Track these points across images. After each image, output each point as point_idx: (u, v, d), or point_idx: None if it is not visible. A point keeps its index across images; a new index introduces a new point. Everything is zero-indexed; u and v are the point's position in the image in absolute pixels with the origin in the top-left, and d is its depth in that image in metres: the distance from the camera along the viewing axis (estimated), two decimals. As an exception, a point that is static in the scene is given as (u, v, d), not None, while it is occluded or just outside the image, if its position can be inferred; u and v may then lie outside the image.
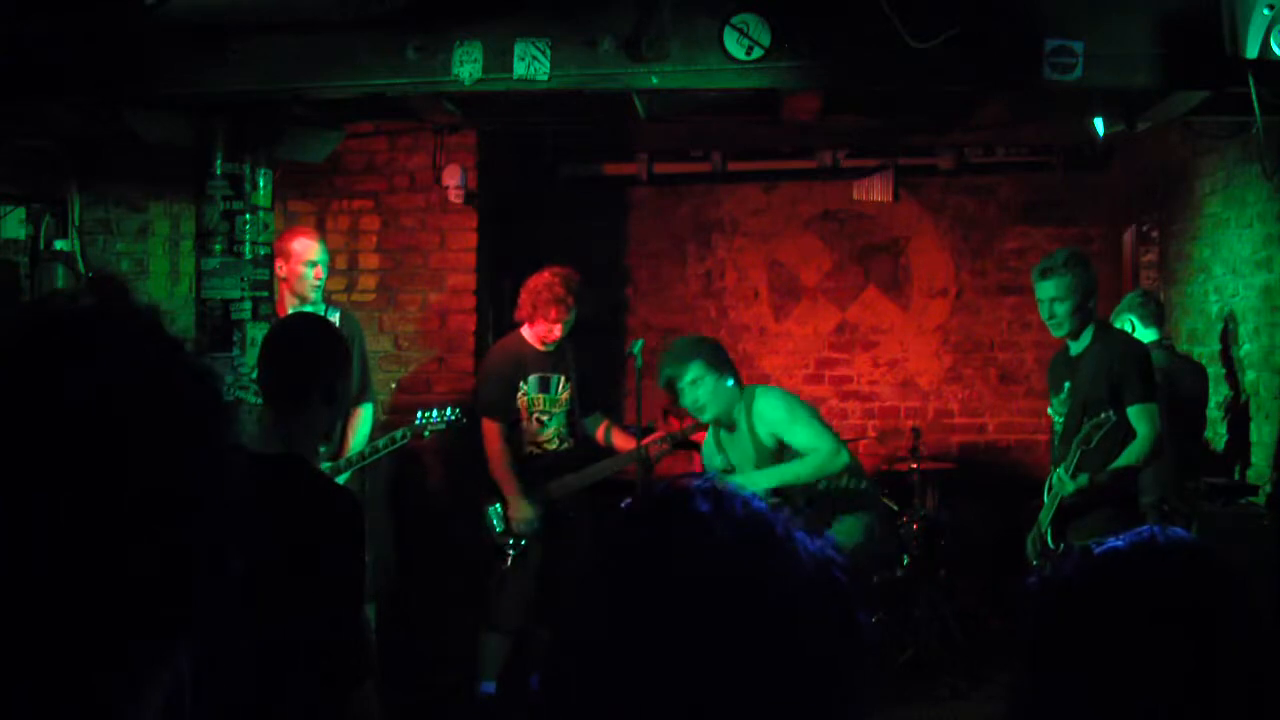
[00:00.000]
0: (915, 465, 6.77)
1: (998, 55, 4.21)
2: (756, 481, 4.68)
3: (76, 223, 6.48)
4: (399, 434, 5.14)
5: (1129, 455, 4.53)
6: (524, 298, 5.55)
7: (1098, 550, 1.31)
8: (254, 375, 4.21)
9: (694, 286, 8.19)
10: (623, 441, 5.70)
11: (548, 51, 4.28)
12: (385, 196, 6.61)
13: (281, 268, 5.26)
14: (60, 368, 0.79)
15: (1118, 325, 5.64)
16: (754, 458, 4.84)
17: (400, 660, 5.66)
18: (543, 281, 5.48)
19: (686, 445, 6.76)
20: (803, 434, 4.72)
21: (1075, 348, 4.78)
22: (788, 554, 1.02)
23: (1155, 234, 7.52)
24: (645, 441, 5.51)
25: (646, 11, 4.20)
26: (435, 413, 5.23)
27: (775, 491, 4.73)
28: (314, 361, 2.98)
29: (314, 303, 5.35)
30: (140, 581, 0.80)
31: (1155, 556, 1.27)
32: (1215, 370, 6.29)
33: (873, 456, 7.52)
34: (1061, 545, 4.57)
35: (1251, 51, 3.79)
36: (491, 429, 5.49)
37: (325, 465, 5.07)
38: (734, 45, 4.20)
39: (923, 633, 6.33)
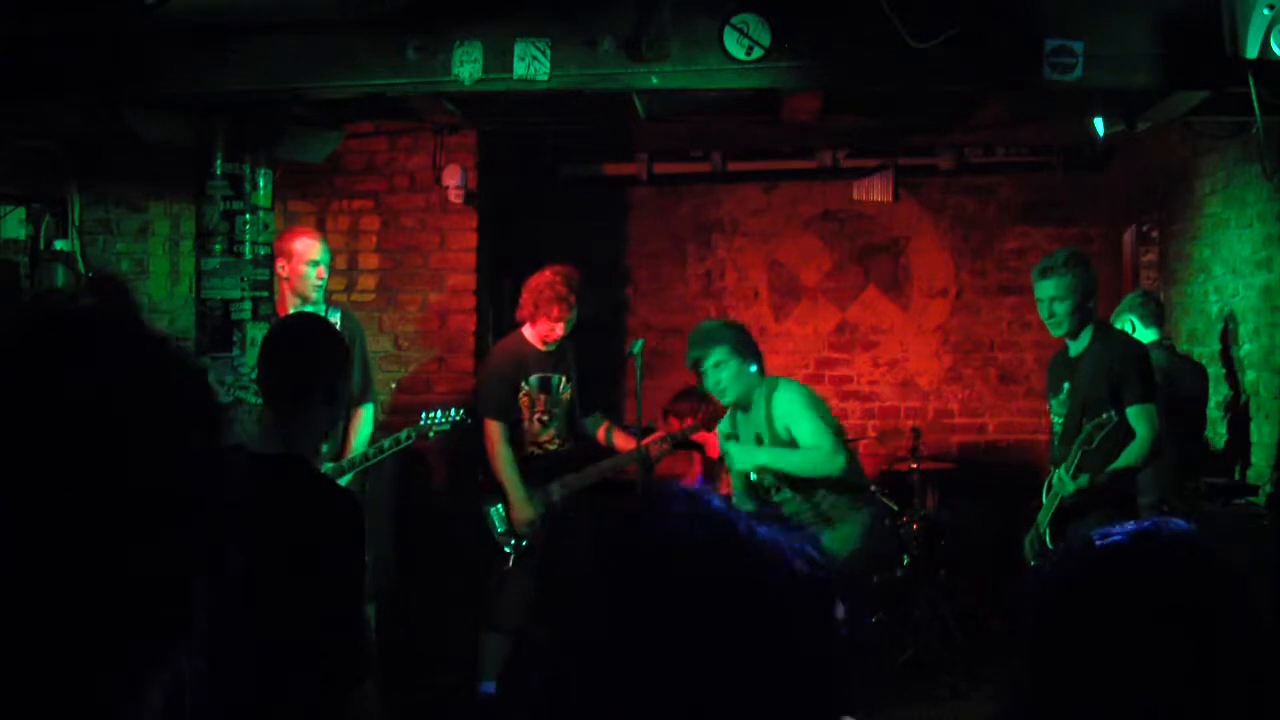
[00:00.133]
0: (915, 465, 6.77)
1: (998, 55, 4.21)
2: (754, 455, 4.76)
3: (76, 223, 6.48)
4: (403, 435, 5.13)
5: (1128, 456, 4.53)
6: (525, 297, 5.55)
7: (1099, 543, 1.31)
8: (254, 375, 4.21)
9: (694, 286, 8.19)
10: (623, 441, 5.70)
11: (548, 51, 4.28)
12: (385, 196, 6.60)
13: (283, 267, 5.26)
14: (60, 367, 0.79)
15: (1118, 325, 5.64)
16: (766, 443, 4.85)
17: (400, 660, 5.66)
18: (544, 280, 5.48)
19: (686, 445, 6.77)
20: (808, 430, 4.73)
21: (1074, 348, 4.78)
22: (755, 551, 1.03)
23: (1155, 234, 7.52)
24: (645, 441, 5.51)
25: (646, 11, 4.20)
26: (439, 413, 5.23)
27: (790, 483, 4.78)
28: (315, 361, 2.98)
29: (316, 302, 5.35)
30: (140, 581, 0.80)
31: (1156, 554, 1.27)
32: (1215, 370, 6.29)
33: (873, 456, 7.52)
34: (1060, 546, 4.57)
35: (1251, 51, 3.79)
36: (494, 429, 5.49)
37: (328, 466, 5.07)
38: (734, 45, 4.20)
39: (923, 633, 6.33)
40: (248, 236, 4.80)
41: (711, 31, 4.22)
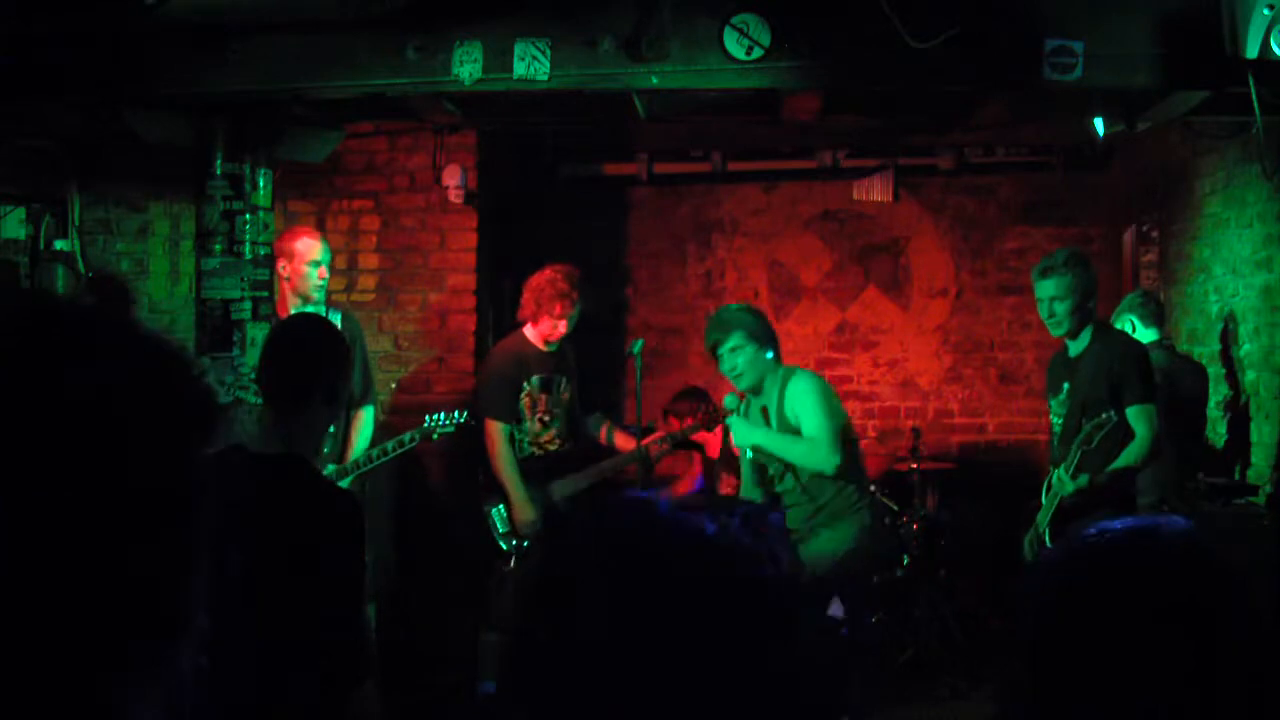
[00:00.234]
0: (915, 465, 6.77)
1: (998, 55, 4.21)
2: (753, 433, 4.81)
3: (76, 223, 6.48)
4: (407, 437, 5.13)
5: (1128, 456, 4.54)
6: (527, 296, 5.55)
7: (1096, 537, 1.31)
8: (254, 375, 4.21)
9: (694, 286, 8.19)
10: (623, 441, 5.70)
11: (548, 51, 4.28)
12: (385, 196, 6.60)
13: (284, 268, 5.26)
14: (60, 367, 0.79)
15: (1118, 325, 5.64)
16: (773, 427, 4.86)
17: (400, 660, 5.66)
18: (545, 278, 5.48)
19: (686, 445, 6.77)
20: (811, 423, 4.74)
21: (1074, 348, 4.78)
22: (717, 553, 1.05)
23: (1155, 234, 7.52)
24: (645, 441, 5.51)
25: (646, 11, 4.20)
26: (443, 415, 5.23)
27: (792, 473, 4.81)
28: (316, 362, 2.98)
29: (317, 303, 5.35)
30: (140, 581, 0.80)
31: (1155, 553, 1.27)
32: (1215, 370, 6.29)
33: (873, 456, 7.51)
34: (1058, 544, 4.56)
35: (1251, 51, 3.79)
36: (495, 430, 5.49)
37: (331, 468, 5.07)
38: (734, 45, 4.20)
39: (923, 633, 6.33)
40: (248, 236, 4.80)
41: (711, 31, 4.22)
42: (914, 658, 6.24)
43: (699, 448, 6.89)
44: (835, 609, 5.65)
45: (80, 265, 6.42)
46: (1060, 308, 4.67)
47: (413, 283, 6.59)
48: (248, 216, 4.80)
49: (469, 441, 5.62)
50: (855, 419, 7.94)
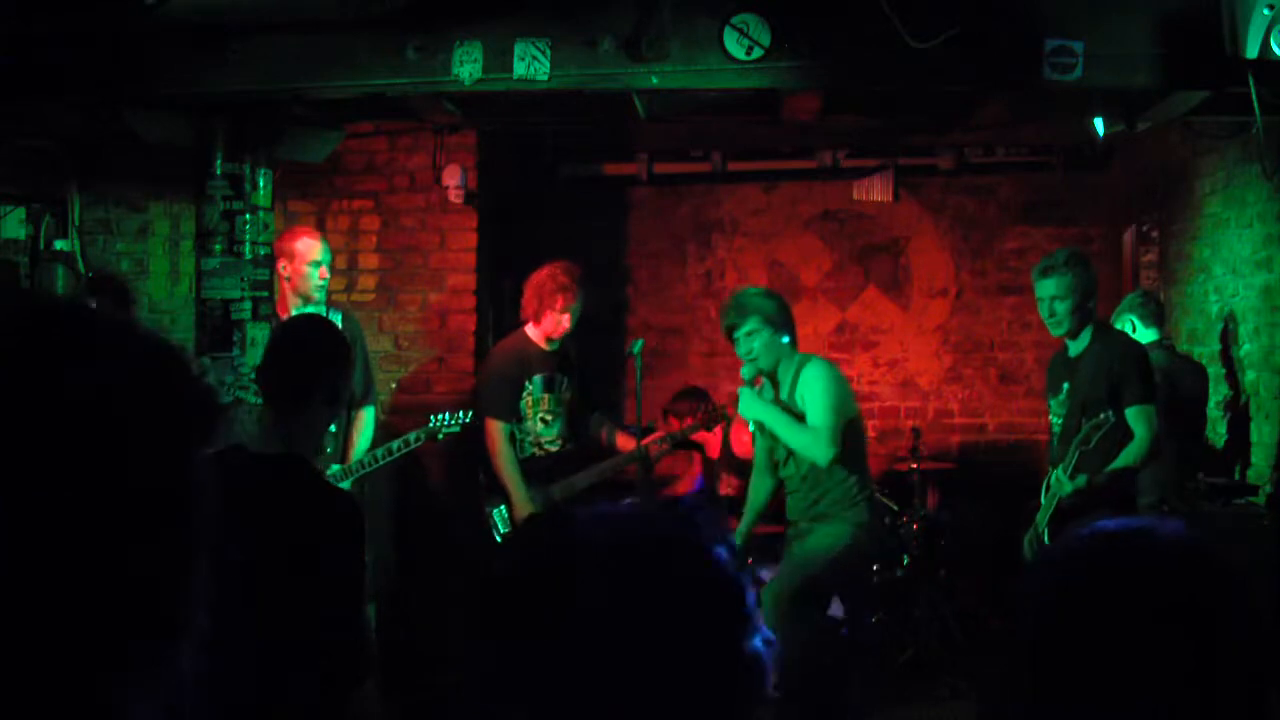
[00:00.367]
0: (915, 465, 6.77)
1: (998, 55, 4.21)
2: (757, 407, 4.83)
3: (76, 223, 6.48)
4: (413, 436, 5.13)
5: (1126, 456, 4.54)
6: (528, 294, 5.55)
7: (1090, 537, 1.31)
8: (254, 375, 4.21)
9: (694, 286, 8.19)
10: (623, 441, 5.70)
11: (548, 51, 4.28)
12: (385, 196, 6.60)
13: (285, 268, 5.25)
14: (60, 367, 0.79)
15: (1118, 325, 5.64)
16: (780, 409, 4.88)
17: (400, 660, 5.66)
18: (545, 274, 5.49)
19: (686, 445, 6.77)
20: (815, 413, 4.76)
21: (1074, 348, 4.78)
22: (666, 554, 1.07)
23: (1155, 234, 7.52)
24: (645, 441, 5.51)
25: (646, 11, 4.20)
26: (448, 415, 5.22)
27: (795, 460, 4.84)
28: (317, 362, 2.98)
29: (318, 303, 5.35)
30: (140, 581, 0.80)
31: (1153, 553, 1.27)
32: (1215, 370, 6.29)
33: (873, 457, 7.49)
34: (1055, 544, 4.57)
35: (1251, 51, 3.79)
36: (496, 429, 5.48)
37: (335, 469, 5.07)
38: (734, 45, 4.20)
39: (923, 633, 6.33)
40: (248, 236, 4.80)
41: (711, 31, 4.22)
42: (914, 658, 6.24)
43: (699, 448, 6.89)
44: (835, 609, 5.66)
45: (80, 265, 6.42)
46: (1061, 307, 4.68)
47: (413, 283, 6.59)
48: (248, 216, 4.80)
49: (469, 441, 5.62)
50: (855, 419, 7.95)
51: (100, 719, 0.79)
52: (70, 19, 4.27)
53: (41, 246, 6.34)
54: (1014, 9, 4.18)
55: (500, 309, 6.74)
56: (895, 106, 5.92)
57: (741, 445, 6.72)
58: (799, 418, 4.79)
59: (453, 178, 6.41)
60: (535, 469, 5.54)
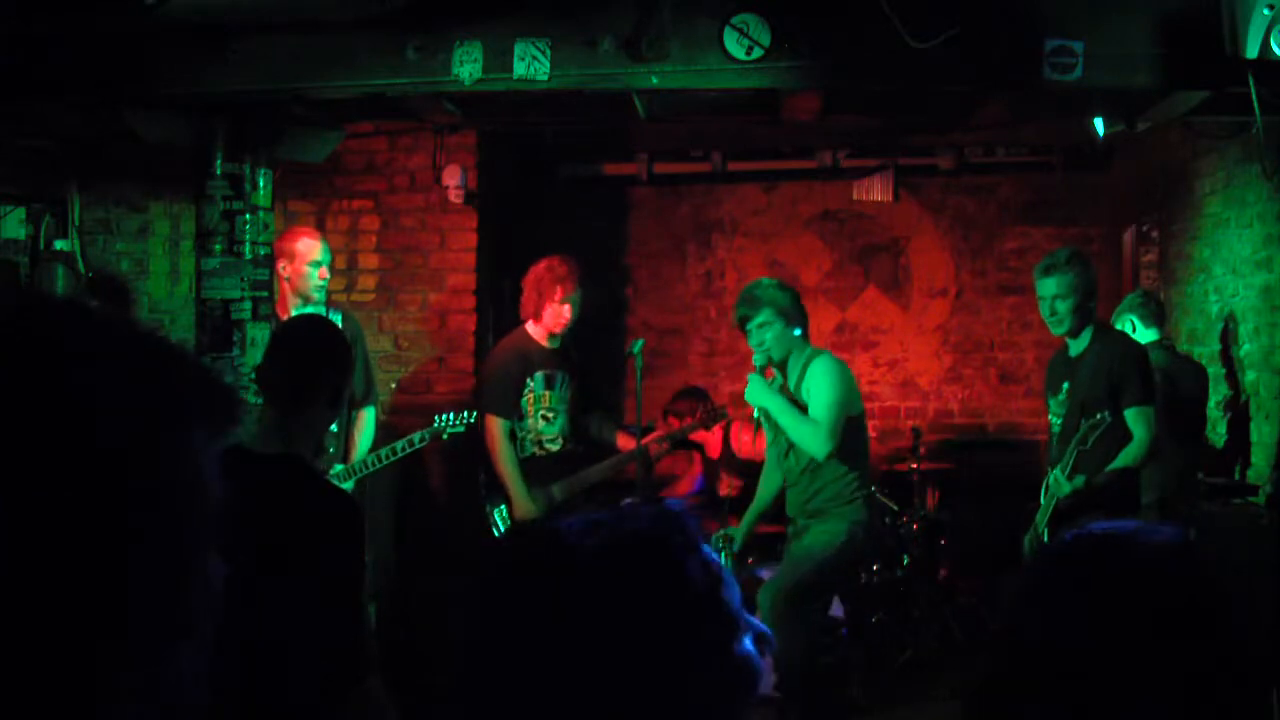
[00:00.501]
0: (915, 465, 6.77)
1: (998, 55, 4.21)
2: (762, 394, 4.84)
3: (76, 223, 6.48)
4: (417, 437, 5.13)
5: (1125, 457, 4.54)
6: (526, 291, 5.55)
7: (1068, 542, 1.31)
8: (254, 375, 4.21)
9: (694, 286, 8.19)
10: (624, 441, 5.69)
11: (548, 51, 4.28)
12: (385, 196, 6.60)
13: (285, 268, 5.26)
14: (60, 367, 0.79)
15: (1118, 325, 5.64)
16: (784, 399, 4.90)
17: (400, 660, 5.66)
18: (542, 268, 5.50)
19: (686, 445, 6.77)
20: (817, 406, 4.78)
21: (1075, 348, 4.78)
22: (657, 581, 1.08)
23: (1155, 234, 7.52)
24: (645, 441, 5.51)
25: (646, 11, 4.20)
26: (451, 415, 5.22)
27: (796, 452, 4.86)
28: (318, 362, 2.98)
29: (317, 303, 5.35)
30: (140, 581, 0.80)
31: (1138, 559, 1.27)
32: (1215, 370, 6.29)
33: (873, 456, 7.51)
34: (1043, 549, 4.58)
35: (1251, 51, 3.79)
36: (495, 426, 5.48)
37: (338, 469, 5.08)
38: (734, 45, 4.20)
39: (923, 633, 6.33)
40: (248, 236, 4.80)
41: (711, 31, 4.22)
42: (914, 658, 6.24)
43: (699, 447, 6.89)
44: (836, 609, 5.66)
45: (80, 265, 6.42)
46: (1062, 306, 4.68)
47: (413, 283, 6.59)
48: (248, 216, 4.80)
49: (470, 441, 5.62)
50: (855, 419, 7.95)
51: (100, 719, 0.79)
52: (70, 19, 4.27)
53: (41, 246, 6.34)
54: (1014, 9, 4.18)
55: (500, 309, 6.74)
56: (895, 106, 5.92)
57: (741, 445, 6.72)
58: (803, 409, 4.81)
59: (453, 178, 6.42)
60: (535, 468, 5.53)
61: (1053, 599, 1.27)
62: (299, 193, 6.48)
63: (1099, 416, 4.51)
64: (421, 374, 6.58)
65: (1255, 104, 3.98)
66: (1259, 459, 5.98)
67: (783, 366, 4.97)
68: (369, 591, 4.25)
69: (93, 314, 0.85)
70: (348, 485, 5.02)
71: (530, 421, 5.55)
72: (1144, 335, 5.76)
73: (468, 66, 4.31)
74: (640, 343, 5.40)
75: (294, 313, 5.13)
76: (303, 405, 2.90)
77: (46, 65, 4.45)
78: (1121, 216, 7.93)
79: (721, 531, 5.17)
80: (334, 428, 5.06)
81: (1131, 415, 4.56)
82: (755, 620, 1.16)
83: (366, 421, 5.42)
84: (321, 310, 5.27)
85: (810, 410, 4.78)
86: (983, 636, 6.46)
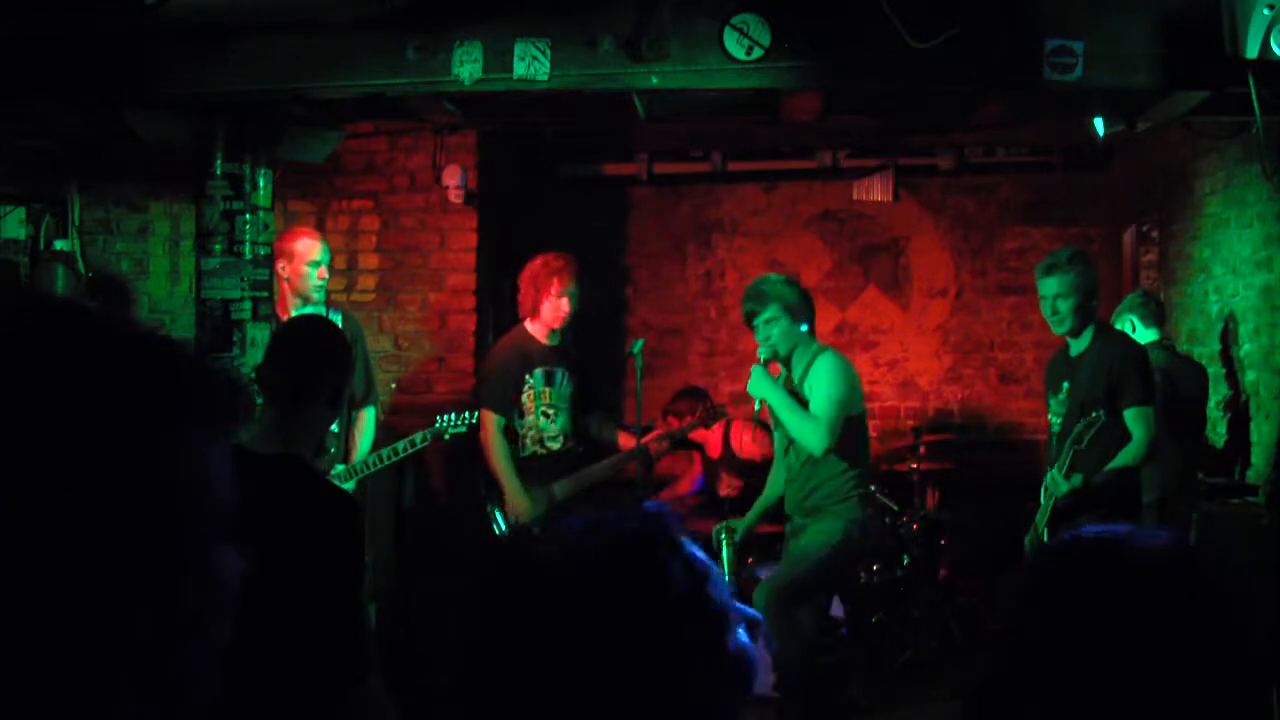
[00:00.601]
0: (915, 465, 6.77)
1: (998, 55, 4.21)
2: (764, 387, 4.85)
3: (76, 223, 6.48)
4: (419, 437, 5.13)
5: (1124, 457, 4.54)
6: (523, 287, 5.55)
7: (1061, 545, 1.31)
8: (254, 375, 4.21)
9: (694, 286, 8.19)
10: (624, 440, 5.69)
11: (548, 51, 4.28)
12: (385, 196, 6.60)
13: (284, 268, 5.26)
14: (59, 367, 0.79)
15: (1118, 325, 5.64)
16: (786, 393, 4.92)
17: (400, 660, 5.66)
18: (537, 263, 5.51)
19: (686, 444, 6.77)
20: (817, 402, 4.80)
21: (1075, 347, 4.79)
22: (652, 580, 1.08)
23: (1155, 234, 7.52)
24: (645, 440, 5.51)
25: (646, 11, 4.20)
26: (453, 416, 5.22)
27: (796, 448, 4.88)
28: (319, 362, 2.98)
29: (317, 303, 5.35)
30: (141, 581, 0.80)
31: (1131, 561, 1.27)
32: (1215, 370, 6.29)
33: (873, 457, 7.51)
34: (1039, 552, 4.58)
35: (1251, 51, 3.79)
36: (489, 420, 5.48)
37: (339, 469, 5.08)
38: (734, 45, 4.20)
39: (923, 633, 6.33)
40: (248, 236, 4.80)
41: (711, 31, 4.22)
42: (914, 658, 6.24)
43: (699, 447, 6.89)
44: (835, 609, 5.66)
45: (80, 265, 6.42)
46: (1064, 305, 4.68)
47: (413, 283, 6.59)
48: (248, 216, 4.80)
49: (470, 440, 5.62)
50: (855, 419, 7.94)
51: (100, 719, 0.79)
52: (70, 19, 4.27)
53: (41, 246, 6.34)
54: (1014, 9, 4.18)
55: (500, 309, 6.74)
56: (895, 106, 5.92)
57: (742, 445, 6.72)
58: (805, 405, 4.82)
59: (453, 178, 6.42)
60: (537, 467, 5.53)
61: (1052, 599, 1.27)
62: (299, 193, 6.48)
63: (1094, 415, 4.52)
64: (421, 374, 6.58)
65: (1255, 104, 3.98)
66: (1259, 459, 5.98)
67: (787, 362, 4.98)
68: (369, 591, 4.25)
69: (93, 314, 0.85)
70: (349, 485, 5.02)
71: (531, 418, 5.54)
72: (1144, 335, 5.76)
73: (468, 66, 4.31)
74: (640, 343, 5.40)
75: (294, 313, 5.13)
76: (303, 405, 2.90)
77: (46, 65, 4.45)
78: (1121, 216, 7.93)
79: (724, 523, 5.19)
80: (334, 428, 5.06)
81: (1131, 415, 4.57)
82: (746, 608, 1.17)
83: (367, 422, 5.42)
84: (321, 310, 5.27)
85: (811, 406, 4.79)
86: (983, 636, 6.46)
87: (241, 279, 4.81)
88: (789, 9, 4.21)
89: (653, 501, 5.54)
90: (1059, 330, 4.80)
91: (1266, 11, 3.75)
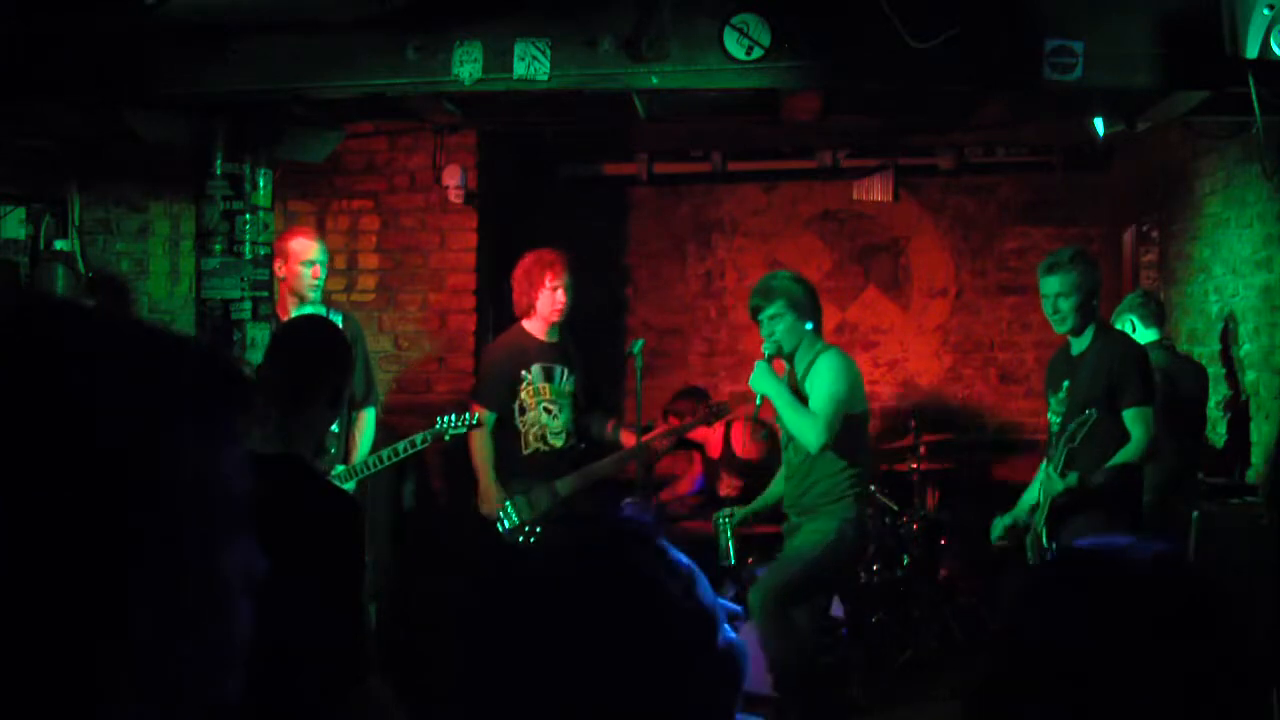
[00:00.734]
0: (915, 465, 6.77)
1: (998, 55, 4.21)
2: (765, 381, 4.85)
3: (76, 223, 6.48)
4: (419, 438, 5.13)
5: (1122, 456, 4.55)
6: (517, 284, 5.55)
7: (1060, 558, 1.32)
8: (254, 375, 4.22)
9: (694, 286, 8.19)
10: (627, 438, 5.69)
11: (548, 51, 4.28)
12: (385, 196, 6.60)
13: (281, 268, 5.26)
14: (60, 367, 0.79)
15: (1118, 325, 5.65)
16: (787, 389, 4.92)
17: (400, 660, 5.66)
18: (528, 259, 5.53)
19: (687, 445, 6.77)
20: (816, 398, 4.81)
21: (1076, 346, 4.79)
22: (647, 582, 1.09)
23: (1155, 234, 7.52)
24: (646, 439, 5.51)
25: (646, 11, 4.20)
26: (453, 416, 5.22)
27: (795, 446, 4.88)
28: (319, 362, 2.98)
29: (313, 302, 5.35)
30: (141, 581, 0.80)
31: (1127, 573, 1.26)
32: (1215, 370, 6.29)
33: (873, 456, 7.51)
34: (1053, 545, 4.59)
35: (1251, 51, 3.79)
36: (480, 414, 5.48)
37: (340, 469, 5.08)
38: (734, 45, 4.20)
39: (923, 633, 6.33)
40: (248, 236, 4.80)
41: (711, 31, 4.22)
42: (914, 658, 6.24)
43: (699, 447, 6.89)
44: (835, 609, 5.66)
45: (80, 265, 6.42)
46: (1065, 304, 4.69)
47: (413, 283, 6.59)
48: (248, 216, 4.80)
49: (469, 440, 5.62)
50: (855, 419, 7.94)
51: (100, 719, 0.79)
52: (70, 19, 4.27)
53: (41, 246, 6.34)
54: (1014, 9, 4.18)
55: (500, 309, 6.74)
56: (895, 106, 5.92)
57: (742, 445, 6.72)
58: (806, 402, 4.82)
59: (453, 178, 6.42)
60: (539, 464, 5.53)
61: (1052, 599, 1.27)
62: (299, 193, 6.48)
63: (1086, 414, 4.52)
64: (421, 374, 6.58)
65: (1255, 104, 3.98)
66: (1259, 459, 5.98)
67: (791, 359, 4.99)
68: (369, 591, 4.25)
69: (93, 314, 0.85)
70: (349, 486, 5.02)
71: (533, 414, 5.53)
72: (1144, 335, 5.76)
73: (468, 66, 4.31)
74: (640, 343, 5.40)
75: (292, 313, 5.13)
76: (303, 405, 2.90)
77: (46, 65, 4.45)
78: (1121, 216, 7.93)
79: (726, 510, 5.20)
80: (334, 428, 5.06)
81: (1130, 415, 4.57)
82: (727, 602, 1.17)
83: (367, 422, 5.42)
84: (320, 310, 5.27)
85: (810, 402, 4.80)
86: (983, 636, 6.46)
87: (241, 279, 4.81)
88: (789, 9, 4.21)
89: (631, 506, 5.54)
90: (1060, 329, 4.80)
91: (1266, 11, 3.75)
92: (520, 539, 5.47)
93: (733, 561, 5.24)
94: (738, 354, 7.84)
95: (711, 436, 6.71)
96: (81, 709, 0.78)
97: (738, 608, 1.17)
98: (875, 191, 7.99)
